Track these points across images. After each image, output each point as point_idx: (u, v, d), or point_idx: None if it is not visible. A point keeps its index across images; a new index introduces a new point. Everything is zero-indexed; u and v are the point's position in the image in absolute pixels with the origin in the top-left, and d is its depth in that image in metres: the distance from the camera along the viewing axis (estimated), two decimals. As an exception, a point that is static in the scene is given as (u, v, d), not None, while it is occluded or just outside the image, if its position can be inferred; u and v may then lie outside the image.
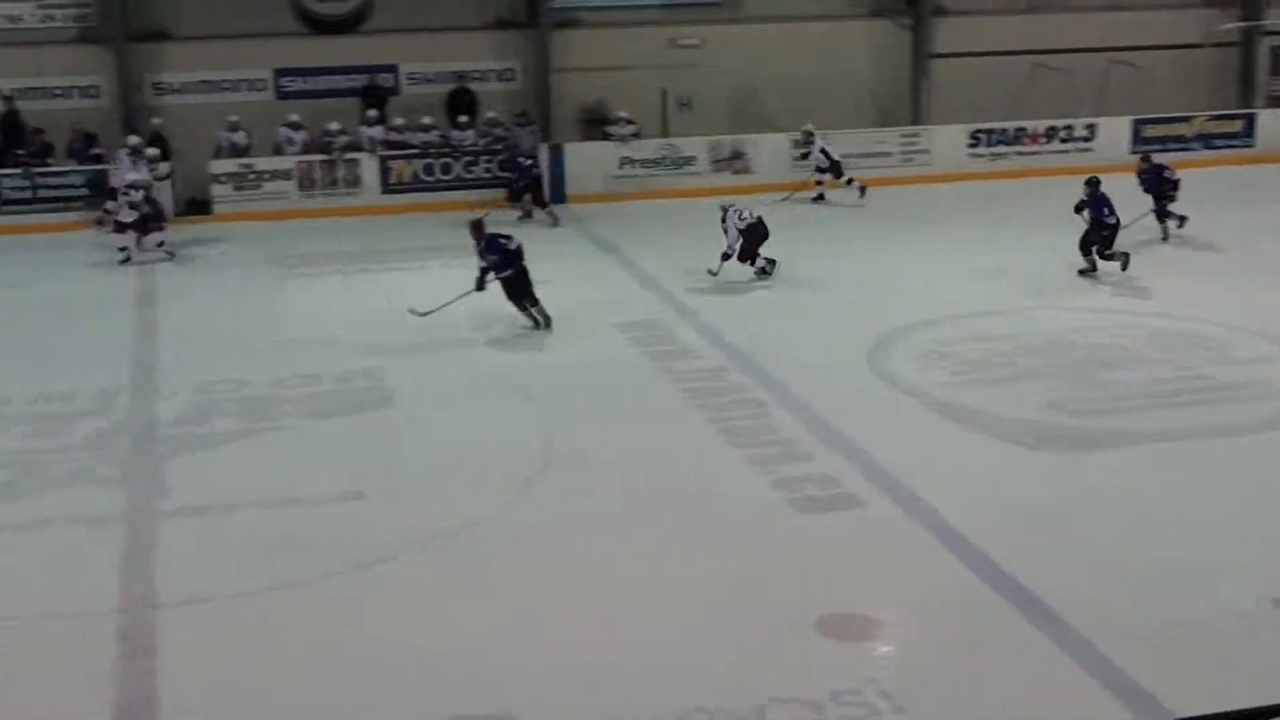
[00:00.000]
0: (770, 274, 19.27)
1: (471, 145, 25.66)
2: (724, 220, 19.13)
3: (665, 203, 25.20)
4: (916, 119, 28.86)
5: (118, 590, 10.59)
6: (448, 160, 25.53)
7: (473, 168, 25.61)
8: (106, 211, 23.00)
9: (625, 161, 26.21)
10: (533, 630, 9.71)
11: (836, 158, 25.12)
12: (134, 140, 24.05)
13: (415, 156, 25.56)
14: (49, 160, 24.62)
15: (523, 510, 11.88)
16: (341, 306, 18.82)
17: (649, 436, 13.49)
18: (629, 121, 26.43)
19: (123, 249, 21.18)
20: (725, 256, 19.09)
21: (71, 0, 26.14)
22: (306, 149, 25.42)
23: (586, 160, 26.14)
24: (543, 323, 17.02)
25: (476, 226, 17.35)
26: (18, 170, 24.24)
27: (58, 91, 26.04)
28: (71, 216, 23.86)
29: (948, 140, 27.81)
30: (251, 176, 24.77)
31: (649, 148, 26.43)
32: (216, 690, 9.11)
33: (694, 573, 10.54)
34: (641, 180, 25.98)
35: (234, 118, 25.34)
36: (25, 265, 20.98)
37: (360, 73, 26.88)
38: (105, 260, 21.45)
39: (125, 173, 23.34)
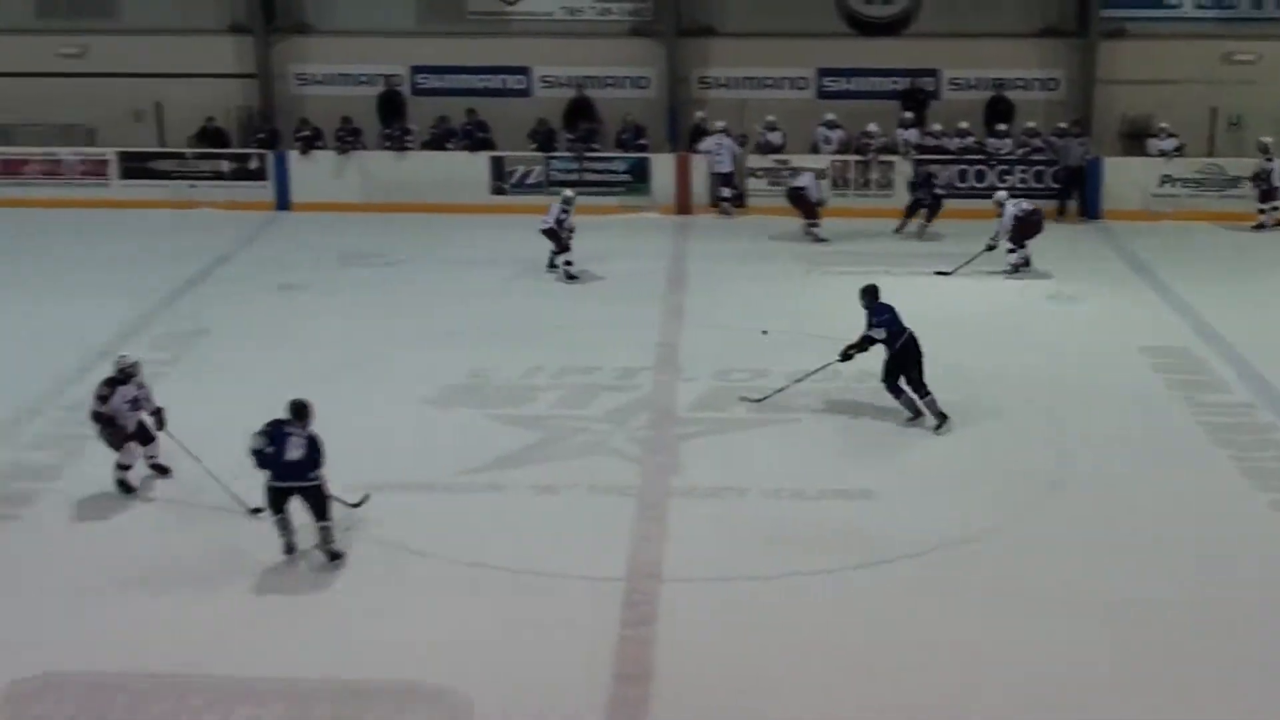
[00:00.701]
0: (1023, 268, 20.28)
1: (1008, 154, 25.29)
2: (1001, 209, 20.31)
3: (1206, 225, 24.11)
4: None
5: (625, 560, 11.07)
6: (982, 168, 25.24)
7: (1007, 176, 25.17)
8: (723, 199, 24.99)
9: (1165, 179, 25.21)
10: (1008, 651, 9.66)
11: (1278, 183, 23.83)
12: (720, 123, 25.25)
13: (949, 162, 25.36)
14: (594, 145, 25.83)
15: (1024, 529, 11.73)
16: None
17: (1166, 469, 13.05)
18: (1171, 134, 25.36)
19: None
20: (989, 248, 20.33)
21: (629, -5, 27.49)
22: (842, 149, 25.69)
23: (1125, 175, 25.29)
24: (936, 422, 14.08)
25: (870, 292, 14.51)
26: (570, 153, 25.57)
27: (609, 81, 27.35)
28: (611, 200, 24.95)
29: None
30: (785, 173, 25.16)
31: (1192, 166, 25.35)
32: (707, 668, 9.41)
33: (1191, 616, 10.17)
34: (1181, 200, 24.96)
35: (771, 118, 25.86)
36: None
37: (902, 75, 26.98)
38: (637, 245, 22.32)
39: (729, 156, 24.95)
